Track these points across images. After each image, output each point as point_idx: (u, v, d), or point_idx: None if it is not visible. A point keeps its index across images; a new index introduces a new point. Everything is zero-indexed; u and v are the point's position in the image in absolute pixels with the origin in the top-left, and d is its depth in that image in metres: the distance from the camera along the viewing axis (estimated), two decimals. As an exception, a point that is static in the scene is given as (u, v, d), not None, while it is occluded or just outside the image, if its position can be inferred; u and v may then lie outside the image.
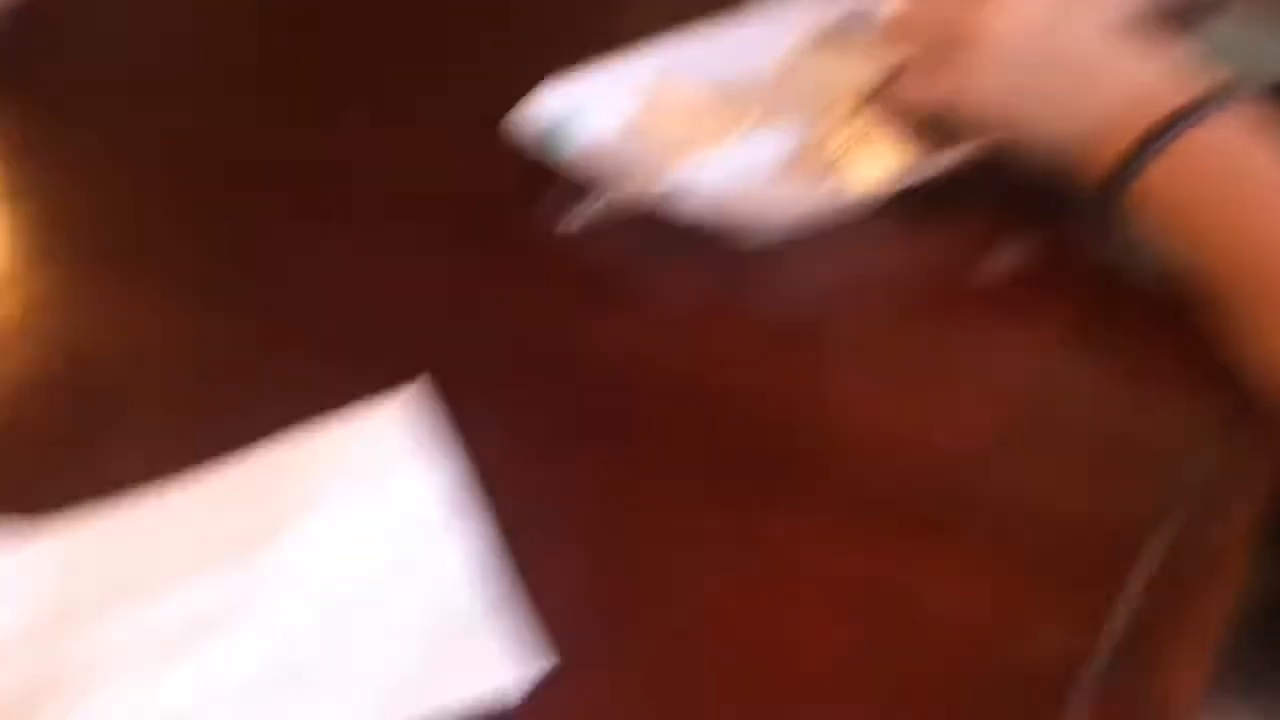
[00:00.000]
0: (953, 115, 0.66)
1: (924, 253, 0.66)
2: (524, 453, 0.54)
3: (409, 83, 0.85)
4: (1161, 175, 0.57)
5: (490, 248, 0.69)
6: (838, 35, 0.76)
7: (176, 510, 0.49)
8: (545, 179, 0.70)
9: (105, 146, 0.84)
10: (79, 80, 0.90)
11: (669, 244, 0.66)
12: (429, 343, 0.62)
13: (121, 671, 0.43)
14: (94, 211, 0.78)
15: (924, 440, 0.53)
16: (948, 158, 0.66)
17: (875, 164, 0.69)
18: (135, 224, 0.76)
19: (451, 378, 0.56)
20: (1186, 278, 0.57)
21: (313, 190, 0.76)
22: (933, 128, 0.67)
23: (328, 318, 0.65)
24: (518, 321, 0.63)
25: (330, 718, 0.41)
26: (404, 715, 0.41)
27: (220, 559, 0.46)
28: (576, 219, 0.66)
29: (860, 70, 0.71)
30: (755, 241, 0.64)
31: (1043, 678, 0.42)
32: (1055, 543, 0.48)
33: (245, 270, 0.69)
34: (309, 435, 0.52)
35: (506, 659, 0.42)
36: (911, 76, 0.68)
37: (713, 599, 0.47)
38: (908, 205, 0.66)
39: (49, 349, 0.65)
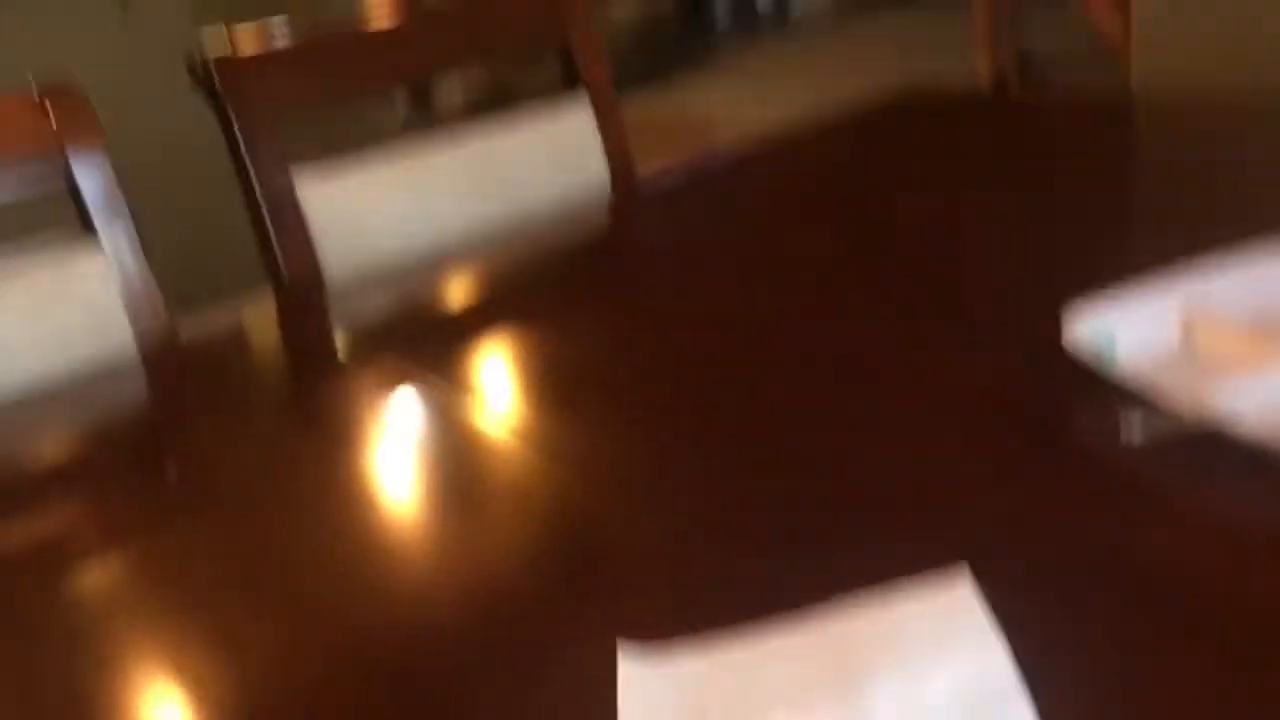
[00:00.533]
0: None
1: None
2: (1064, 646, 0.58)
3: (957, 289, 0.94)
4: None
5: (1036, 448, 0.75)
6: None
7: (781, 649, 0.59)
8: (1098, 389, 0.76)
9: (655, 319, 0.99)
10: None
11: (1221, 461, 0.69)
12: (984, 530, 0.67)
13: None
14: (628, 374, 0.89)
15: None
16: None
17: None
18: (665, 388, 0.87)
19: (1002, 566, 0.62)
20: None
21: (870, 389, 0.84)
22: None
23: (880, 507, 0.71)
24: (1066, 520, 0.67)
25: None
26: None
27: (819, 694, 0.56)
28: (1131, 431, 0.70)
29: None
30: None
31: None
32: None
33: (792, 456, 0.77)
34: (886, 599, 0.61)
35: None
36: None
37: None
38: None
39: (572, 495, 0.76)
